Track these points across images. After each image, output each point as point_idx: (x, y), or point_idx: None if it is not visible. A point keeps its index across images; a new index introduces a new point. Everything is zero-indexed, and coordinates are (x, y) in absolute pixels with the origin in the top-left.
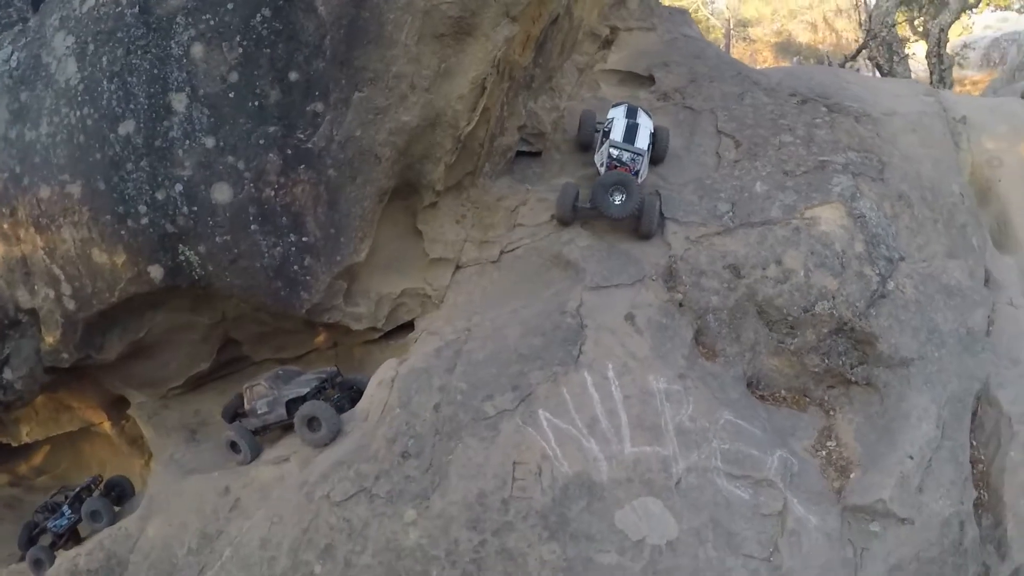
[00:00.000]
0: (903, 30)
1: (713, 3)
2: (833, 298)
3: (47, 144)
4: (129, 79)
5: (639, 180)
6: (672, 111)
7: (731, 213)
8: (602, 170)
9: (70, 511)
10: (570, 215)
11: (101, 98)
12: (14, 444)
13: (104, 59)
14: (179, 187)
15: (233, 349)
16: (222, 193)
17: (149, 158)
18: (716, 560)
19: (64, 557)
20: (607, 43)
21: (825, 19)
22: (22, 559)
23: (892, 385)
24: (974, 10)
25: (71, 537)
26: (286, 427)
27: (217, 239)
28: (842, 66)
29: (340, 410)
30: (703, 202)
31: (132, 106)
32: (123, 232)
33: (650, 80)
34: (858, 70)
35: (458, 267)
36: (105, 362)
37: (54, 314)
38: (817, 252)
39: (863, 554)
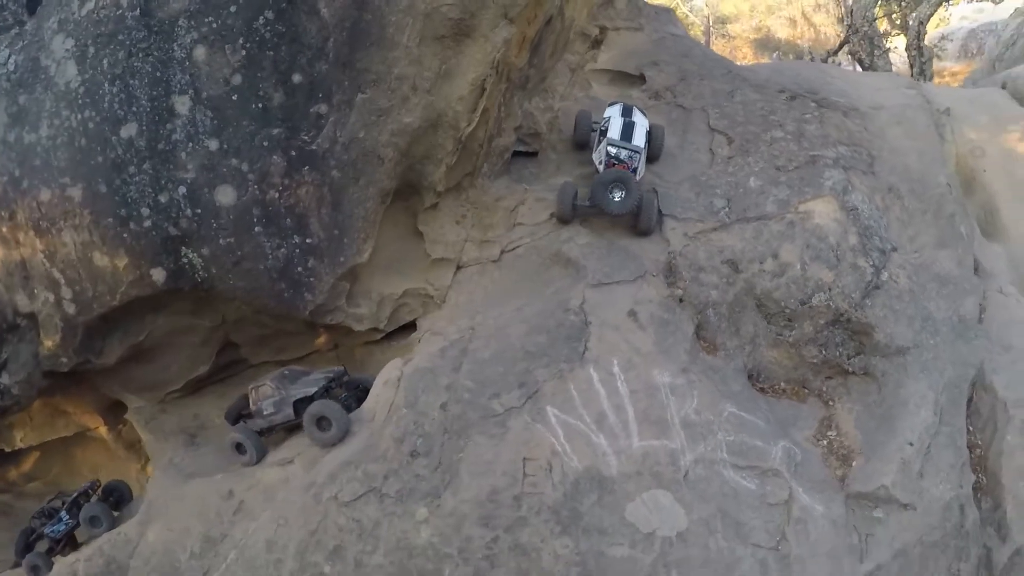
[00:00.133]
0: (882, 24)
1: (692, 1)
2: (829, 290)
3: (47, 147)
4: (131, 82)
5: (637, 177)
6: (664, 109)
7: (727, 209)
8: (601, 168)
9: (68, 516)
10: (570, 213)
11: (103, 101)
12: (7, 450)
13: (105, 62)
14: (182, 189)
15: (232, 352)
16: (226, 195)
17: (152, 161)
18: (726, 550)
19: (62, 563)
20: (597, 43)
21: (804, 14)
22: (17, 565)
23: (889, 374)
24: (950, 2)
25: (69, 543)
26: (291, 429)
27: (221, 241)
28: (824, 61)
29: (348, 409)
30: (699, 198)
31: (134, 109)
32: (125, 235)
33: (641, 79)
34: (839, 65)
35: (459, 267)
36: (104, 366)
37: (53, 318)
38: (812, 245)
39: (868, 540)
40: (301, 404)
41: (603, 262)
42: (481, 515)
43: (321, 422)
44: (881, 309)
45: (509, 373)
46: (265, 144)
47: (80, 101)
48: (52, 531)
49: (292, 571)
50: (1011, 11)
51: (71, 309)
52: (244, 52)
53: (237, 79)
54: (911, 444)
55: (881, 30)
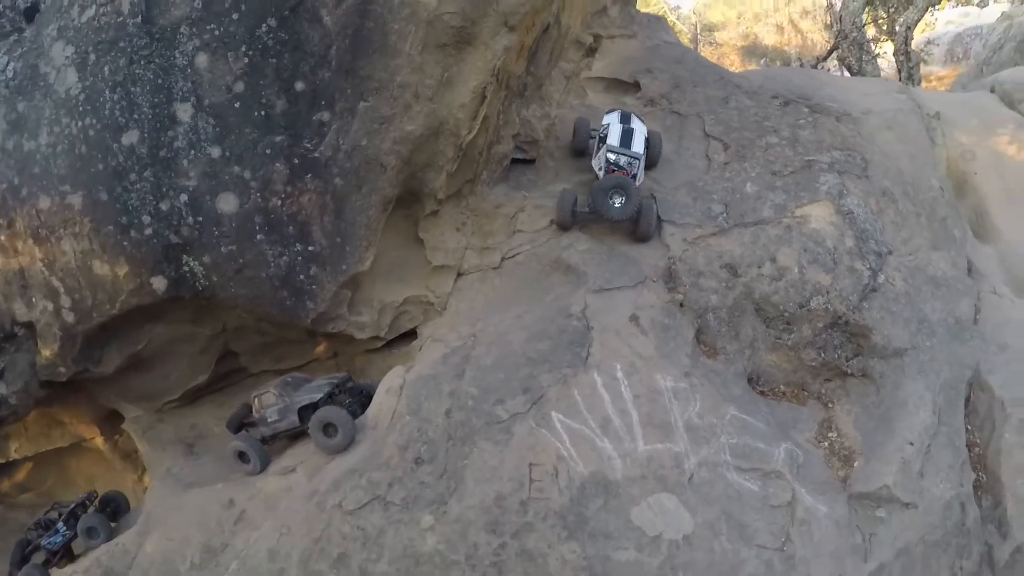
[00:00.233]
0: (869, 30)
1: (679, 8)
2: (827, 293)
3: (47, 154)
4: (132, 89)
5: (636, 183)
6: (659, 116)
7: (725, 214)
8: (600, 174)
9: (65, 527)
10: (569, 220)
11: (103, 108)
12: (1, 461)
13: (106, 69)
14: (184, 197)
15: (231, 361)
16: (228, 203)
17: (153, 168)
18: (731, 552)
19: (59, 575)
20: (591, 51)
21: (791, 21)
22: None
23: (887, 375)
24: (936, 6)
25: (65, 554)
26: (294, 436)
27: (222, 249)
28: (814, 67)
29: (352, 415)
30: (697, 204)
31: (136, 116)
32: (126, 243)
33: (635, 86)
34: (828, 71)
35: (460, 274)
36: (103, 375)
37: (52, 327)
38: (809, 249)
39: (871, 539)
40: (306, 411)
41: (603, 268)
42: (487, 521)
43: (328, 428)
44: (878, 311)
45: (512, 379)
46: (268, 152)
47: (81, 108)
48: (49, 543)
49: None
50: (997, 15)
51: (70, 318)
52: (246, 59)
53: (239, 86)
54: (911, 444)
55: (869, 36)
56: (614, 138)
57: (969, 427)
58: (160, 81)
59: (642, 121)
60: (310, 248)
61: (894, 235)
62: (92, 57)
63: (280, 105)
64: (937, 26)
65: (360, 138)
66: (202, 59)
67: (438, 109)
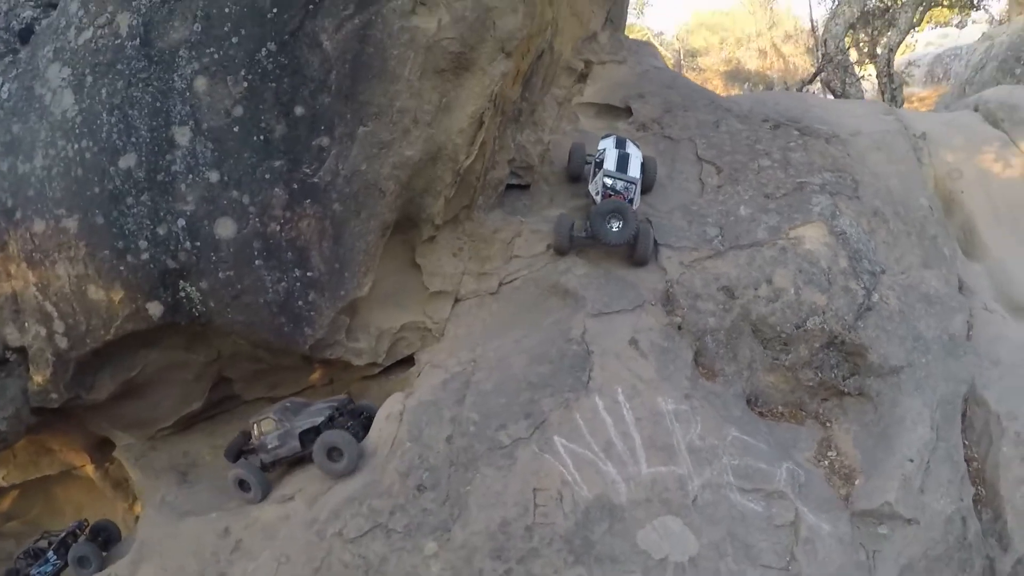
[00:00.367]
0: (852, 54)
1: (662, 34)
2: (823, 313)
3: (42, 177)
4: (130, 112)
5: (633, 208)
6: (652, 141)
7: (720, 237)
8: (597, 199)
9: (55, 557)
10: (567, 244)
11: (100, 131)
12: None
13: (103, 91)
14: (181, 222)
15: (225, 388)
16: (226, 228)
17: (151, 192)
18: (737, 573)
19: None
20: (582, 77)
21: (774, 45)
22: None
23: (884, 393)
24: (916, 28)
25: None
26: (294, 463)
27: (220, 275)
28: (799, 91)
29: (356, 438)
30: (692, 227)
31: (133, 139)
32: (122, 268)
33: (627, 111)
34: (813, 93)
35: (457, 300)
36: (95, 402)
37: (44, 352)
38: (804, 270)
39: (875, 556)
40: (307, 435)
41: (602, 292)
42: (492, 547)
43: (332, 453)
44: (873, 330)
45: (514, 404)
46: (267, 176)
47: (77, 131)
48: (39, 572)
49: None
50: (976, 36)
51: (63, 343)
52: (246, 83)
53: (238, 110)
54: (911, 460)
55: (852, 59)
56: (610, 163)
57: (966, 442)
58: (158, 104)
59: (637, 146)
60: (309, 274)
61: (886, 254)
62: (89, 79)
63: (279, 130)
64: (917, 48)
65: (359, 163)
66: (201, 82)
67: (436, 134)
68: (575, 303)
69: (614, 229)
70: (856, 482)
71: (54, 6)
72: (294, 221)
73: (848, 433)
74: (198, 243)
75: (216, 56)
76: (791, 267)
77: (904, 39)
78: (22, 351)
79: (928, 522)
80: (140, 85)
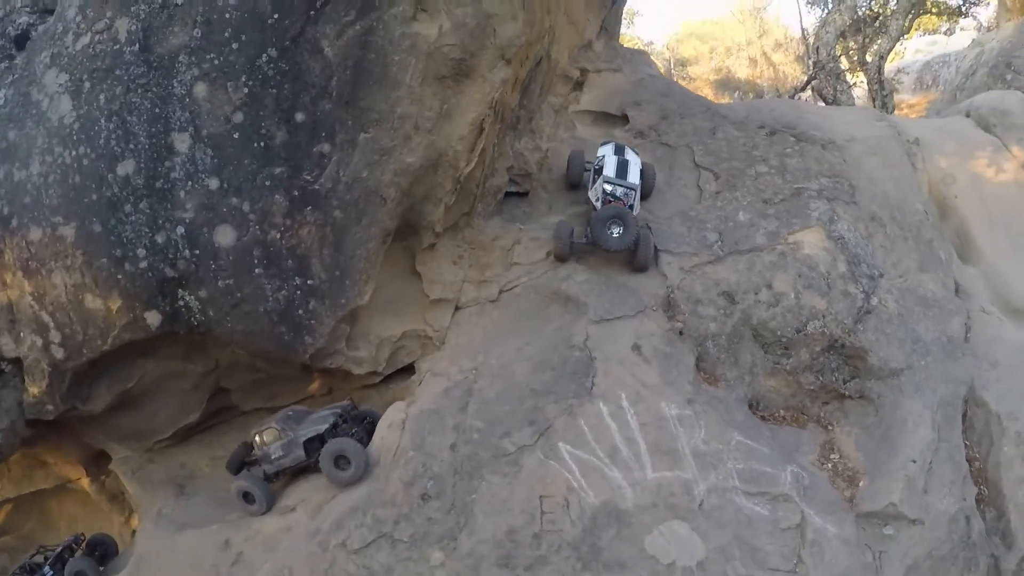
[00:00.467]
0: (841, 61)
1: (652, 43)
2: (823, 317)
3: (38, 184)
4: (129, 118)
5: (633, 214)
6: (649, 148)
7: (719, 242)
8: (598, 205)
9: (52, 572)
10: (567, 251)
11: (99, 137)
12: None
13: (102, 97)
14: (181, 229)
15: (222, 399)
16: (225, 236)
17: (149, 199)
18: None
19: None
20: (578, 85)
21: (764, 54)
22: None
23: (885, 395)
24: (905, 36)
25: None
26: (296, 473)
27: (219, 283)
28: (792, 98)
29: (361, 444)
30: (692, 233)
31: (132, 146)
32: (120, 276)
33: (623, 119)
34: (805, 101)
35: (457, 307)
36: (91, 414)
37: (40, 363)
38: (804, 274)
39: (881, 557)
40: (312, 444)
41: (603, 298)
42: (500, 555)
43: (339, 461)
44: (873, 333)
45: (518, 411)
46: (267, 183)
47: (75, 137)
48: None
49: None
50: (965, 42)
51: (59, 354)
52: (246, 90)
53: (239, 117)
54: (914, 461)
55: (843, 67)
56: (610, 169)
57: (967, 442)
58: (157, 110)
59: (636, 153)
60: (309, 282)
61: (884, 258)
62: (87, 85)
63: (280, 136)
64: (906, 55)
65: (360, 170)
66: (201, 89)
67: (437, 141)
68: (576, 309)
69: (615, 235)
70: (860, 484)
71: (51, 12)
72: (295, 228)
73: (850, 436)
74: (197, 251)
75: (216, 62)
76: (791, 272)
77: (895, 46)
78: (17, 362)
79: (932, 522)
80: (139, 91)
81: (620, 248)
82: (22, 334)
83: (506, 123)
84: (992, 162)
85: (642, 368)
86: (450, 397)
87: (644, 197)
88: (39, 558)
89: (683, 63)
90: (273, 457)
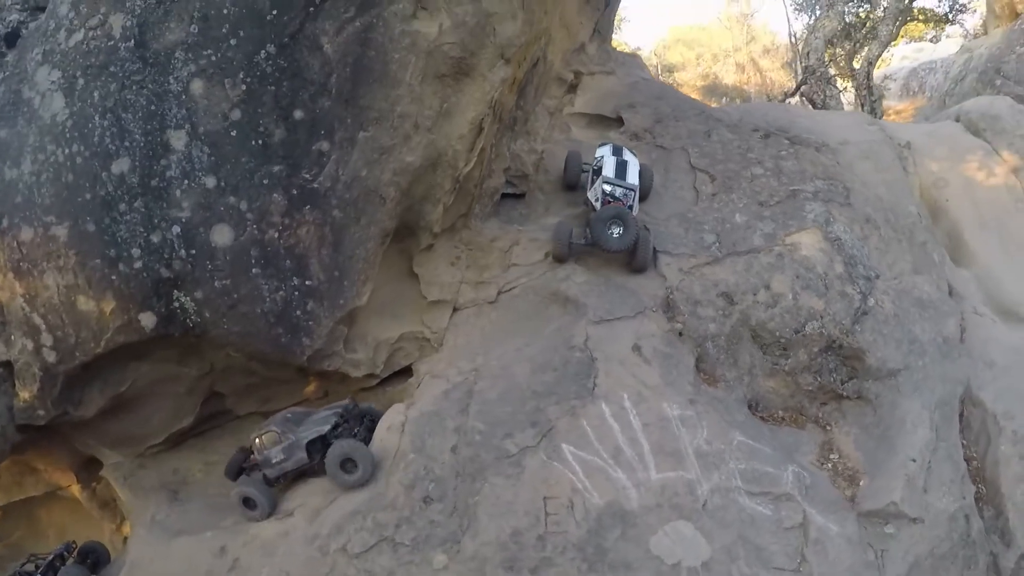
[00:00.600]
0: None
1: (639, 49)
2: (821, 318)
3: (30, 183)
4: (123, 115)
5: (632, 214)
6: (644, 150)
7: (717, 243)
8: (597, 205)
9: None
10: (566, 252)
11: (92, 135)
12: None
13: (96, 94)
14: (176, 229)
15: (216, 403)
16: (222, 235)
17: (144, 198)
18: None
19: None
20: (572, 87)
21: (752, 60)
22: None
23: (883, 395)
24: (892, 42)
25: None
26: (297, 476)
27: (216, 284)
28: (781, 102)
29: (364, 443)
30: (689, 234)
31: (127, 143)
32: (113, 277)
33: (618, 121)
34: (794, 106)
35: (455, 309)
36: (83, 419)
37: (31, 367)
38: (802, 275)
39: (883, 555)
40: (314, 445)
41: (603, 299)
42: (504, 558)
43: (346, 463)
44: (870, 334)
45: (519, 412)
46: (265, 182)
47: (68, 135)
48: None
49: None
50: (951, 49)
51: (51, 357)
52: (244, 86)
53: (236, 114)
54: (913, 460)
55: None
56: (609, 170)
57: (964, 441)
58: (153, 107)
59: (634, 154)
60: (307, 282)
61: (879, 260)
62: (80, 82)
63: (278, 134)
64: (892, 62)
65: (360, 168)
66: (198, 85)
67: (437, 140)
68: (576, 310)
69: (615, 235)
70: (860, 483)
71: (42, 9)
72: (293, 228)
73: (849, 436)
74: (193, 251)
75: (213, 58)
76: (788, 273)
77: (884, 51)
78: (7, 366)
79: (933, 520)
80: (134, 88)
81: (620, 248)
82: (13, 337)
83: (504, 124)
84: (983, 166)
85: (643, 369)
86: (450, 399)
87: (642, 199)
88: (30, 566)
89: (670, 69)
90: (274, 461)
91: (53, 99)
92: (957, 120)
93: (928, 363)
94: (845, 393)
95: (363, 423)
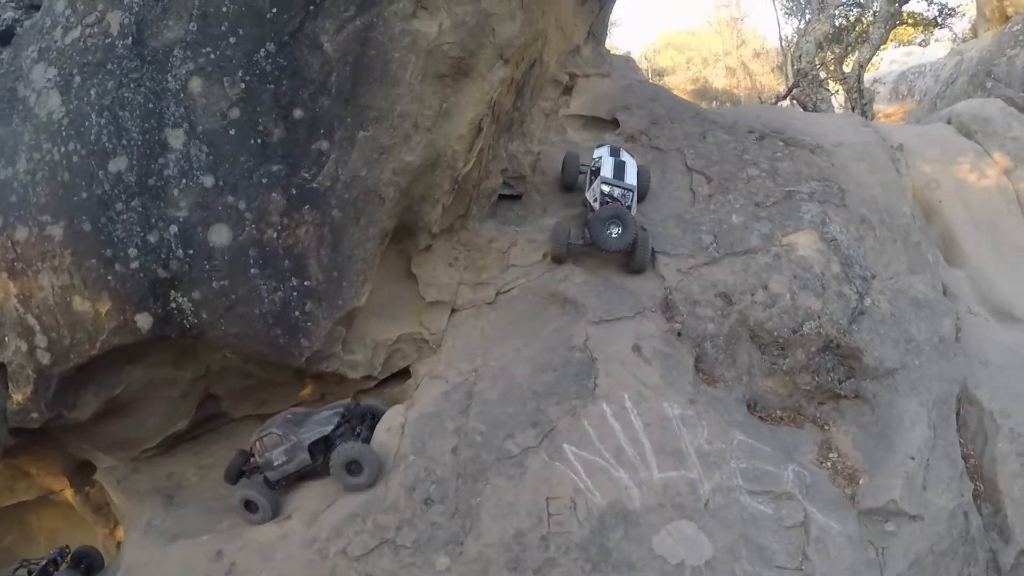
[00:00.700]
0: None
1: (629, 53)
2: (818, 317)
3: (25, 182)
4: (121, 113)
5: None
6: (640, 151)
7: (715, 244)
8: (595, 206)
9: None
10: (564, 252)
11: (89, 133)
12: None
13: (92, 92)
14: (174, 228)
15: (211, 406)
16: (220, 235)
17: (142, 197)
18: (752, 575)
19: None
20: (567, 89)
21: (743, 64)
22: None
23: (881, 394)
24: (881, 47)
25: None
26: (299, 478)
27: (214, 284)
28: (774, 105)
29: (367, 443)
30: (687, 235)
31: (124, 142)
32: (109, 277)
33: (613, 123)
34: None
35: (454, 310)
36: (77, 422)
37: (25, 369)
38: (799, 276)
39: (884, 553)
40: (317, 447)
41: (602, 299)
42: (508, 559)
43: (351, 466)
44: (867, 333)
45: (520, 413)
46: (264, 181)
47: (64, 133)
48: None
49: None
50: (940, 54)
51: (45, 359)
52: (243, 85)
53: (235, 113)
54: (912, 458)
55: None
56: (608, 170)
57: (961, 440)
58: (151, 106)
59: (631, 155)
60: (306, 283)
61: (875, 260)
62: (77, 80)
63: (277, 133)
64: (881, 66)
65: (359, 168)
66: (196, 83)
67: (436, 140)
68: (575, 311)
69: (613, 235)
70: (860, 481)
71: (37, 7)
72: (292, 228)
73: (847, 435)
74: (191, 251)
75: (212, 56)
76: (786, 273)
77: (874, 55)
78: (1, 368)
79: (932, 518)
80: (132, 86)
81: (619, 248)
82: (6, 338)
83: (501, 125)
84: (974, 168)
85: (643, 369)
86: (450, 400)
87: (639, 200)
88: (22, 572)
89: (660, 73)
90: (276, 464)
91: (49, 97)
92: (948, 122)
93: (925, 362)
94: (843, 392)
95: (365, 422)
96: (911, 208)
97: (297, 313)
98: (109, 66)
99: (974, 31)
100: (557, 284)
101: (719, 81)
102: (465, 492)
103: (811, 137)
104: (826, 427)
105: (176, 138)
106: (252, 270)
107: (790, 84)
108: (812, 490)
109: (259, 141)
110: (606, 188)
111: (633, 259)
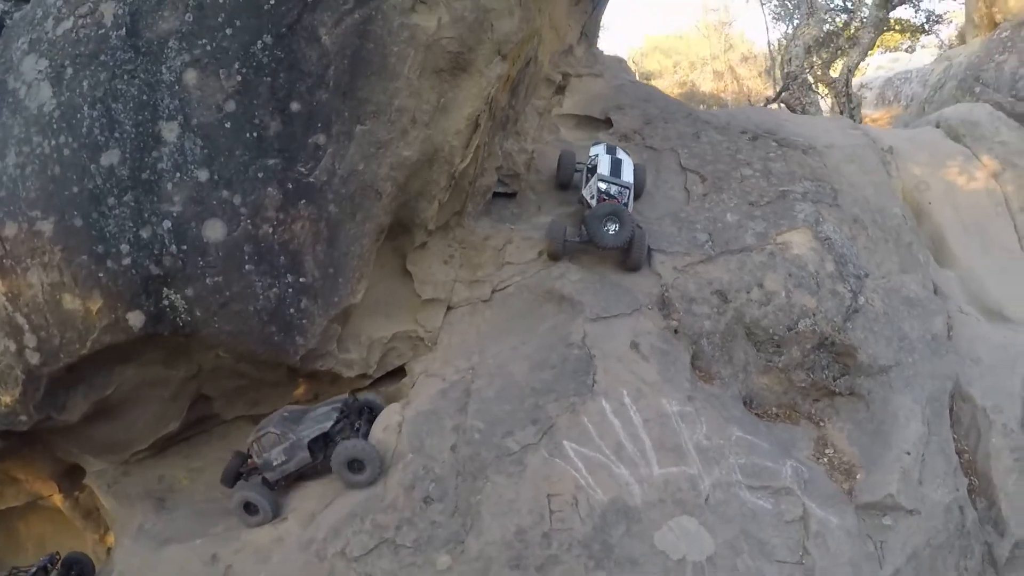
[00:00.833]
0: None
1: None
2: (813, 315)
3: (14, 176)
4: (114, 106)
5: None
6: (635, 151)
7: (710, 242)
8: (592, 203)
9: None
10: (561, 249)
11: (81, 125)
12: None
13: (85, 84)
14: (167, 224)
15: (203, 407)
16: (215, 230)
17: (134, 192)
18: (754, 569)
19: None
20: (561, 89)
21: (731, 67)
22: None
23: (875, 391)
24: (870, 50)
25: None
26: (298, 478)
27: (207, 281)
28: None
29: (366, 438)
30: (682, 233)
31: (117, 135)
32: (101, 274)
33: (607, 123)
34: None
35: (449, 307)
36: (66, 424)
37: (14, 370)
38: (794, 274)
39: (883, 546)
40: (317, 444)
41: (598, 297)
42: (510, 557)
43: (353, 464)
44: (862, 331)
45: (519, 410)
46: (259, 175)
47: (55, 126)
48: None
49: None
50: (927, 60)
51: (34, 359)
52: (239, 77)
53: (231, 105)
54: (908, 454)
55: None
56: (604, 168)
57: (955, 436)
58: (145, 98)
59: (627, 153)
60: (302, 279)
61: (868, 259)
62: (69, 71)
63: (274, 126)
64: (868, 71)
65: (356, 163)
66: (191, 76)
67: (434, 135)
68: (572, 308)
69: (610, 232)
70: (857, 477)
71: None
72: (287, 223)
73: (842, 431)
74: (184, 247)
75: (208, 48)
76: (781, 271)
77: (863, 59)
78: None
79: (929, 512)
80: (125, 77)
81: (616, 245)
82: None
83: (497, 122)
84: (963, 170)
85: (641, 365)
86: (447, 398)
87: (635, 198)
88: None
89: (647, 76)
90: (275, 463)
91: (40, 89)
92: (937, 126)
93: (918, 359)
94: (838, 389)
95: (363, 416)
96: (902, 209)
97: (292, 310)
98: (102, 57)
99: (961, 38)
100: (553, 281)
101: (706, 85)
102: (465, 490)
103: (803, 138)
104: (821, 424)
105: (170, 131)
106: (247, 266)
107: (779, 87)
108: (810, 485)
109: (255, 135)
110: (603, 185)
111: (630, 256)
